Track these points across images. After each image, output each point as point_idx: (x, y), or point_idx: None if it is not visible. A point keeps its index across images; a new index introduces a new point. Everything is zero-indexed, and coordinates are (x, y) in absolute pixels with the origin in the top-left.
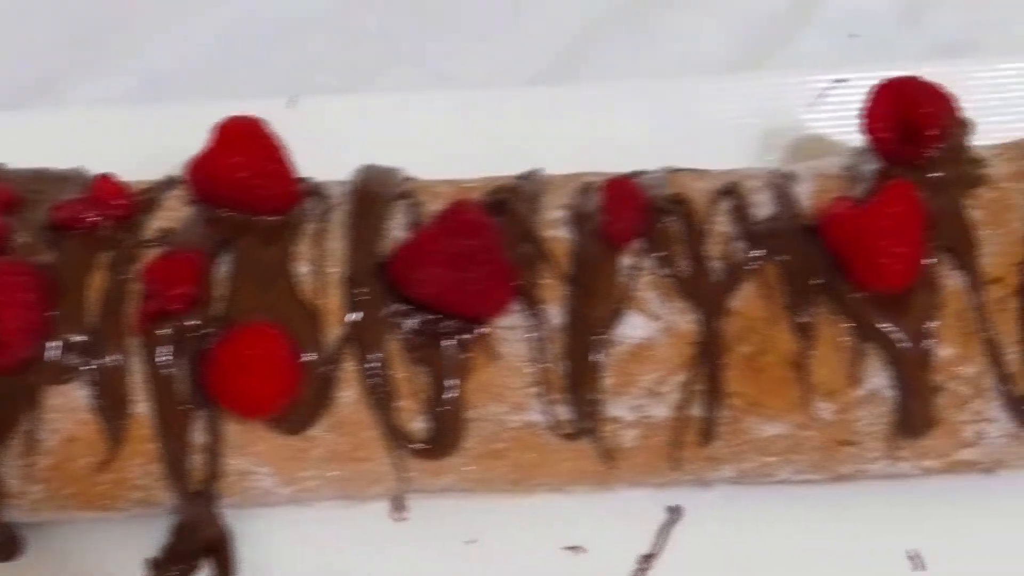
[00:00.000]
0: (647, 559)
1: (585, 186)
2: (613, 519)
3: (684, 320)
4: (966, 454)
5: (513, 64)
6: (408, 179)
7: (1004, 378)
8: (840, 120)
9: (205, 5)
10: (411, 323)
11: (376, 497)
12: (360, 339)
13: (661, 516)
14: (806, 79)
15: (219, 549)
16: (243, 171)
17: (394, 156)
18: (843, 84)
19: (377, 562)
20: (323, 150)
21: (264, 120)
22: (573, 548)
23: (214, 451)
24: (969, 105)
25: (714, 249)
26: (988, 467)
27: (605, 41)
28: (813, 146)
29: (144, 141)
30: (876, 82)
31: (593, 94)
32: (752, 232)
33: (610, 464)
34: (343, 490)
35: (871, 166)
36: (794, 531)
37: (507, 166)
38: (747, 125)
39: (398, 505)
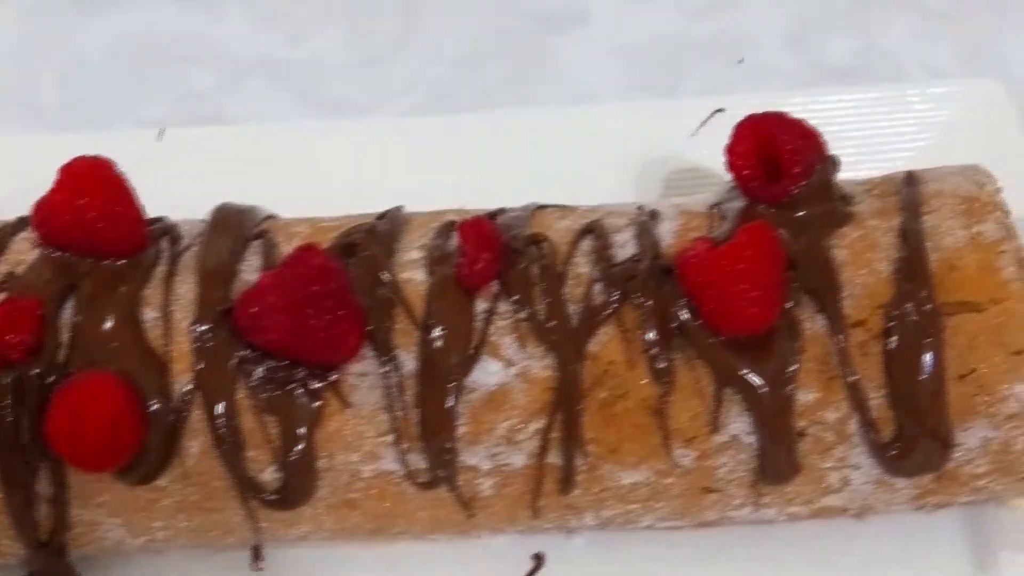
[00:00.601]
0: None
1: (445, 226)
2: (476, 568)
3: (540, 365)
4: (832, 500)
5: (396, 93)
6: (269, 217)
7: (868, 424)
8: (720, 150)
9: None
10: (259, 370)
11: (231, 547)
12: (207, 387)
13: (525, 564)
14: (691, 107)
15: None
16: (88, 213)
17: (267, 188)
18: (722, 113)
19: None
20: (193, 182)
21: (111, 161)
22: None
23: (59, 502)
24: (855, 133)
25: (572, 292)
26: (857, 513)
27: (490, 70)
28: (693, 176)
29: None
30: (756, 110)
31: (474, 124)
32: (611, 274)
33: (468, 513)
34: (196, 540)
35: (736, 204)
36: None
37: (386, 198)
38: (629, 155)
39: (256, 555)
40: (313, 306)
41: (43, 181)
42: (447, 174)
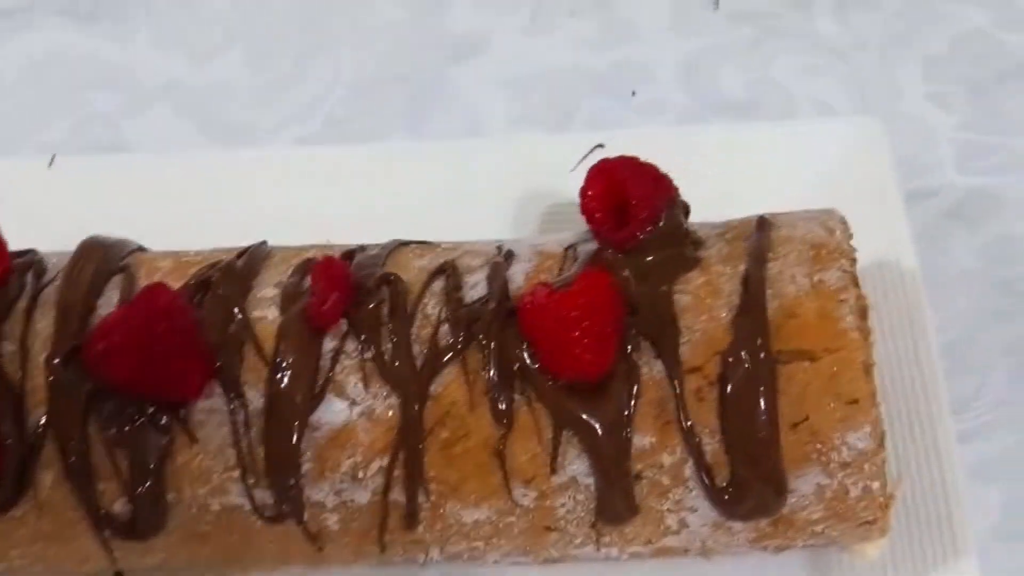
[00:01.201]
0: None
1: (303, 263)
2: None
3: (384, 405)
4: (671, 541)
5: (288, 123)
6: (137, 250)
7: (703, 468)
8: None
9: None
10: (110, 405)
11: (89, 574)
12: (59, 421)
13: None
14: (576, 141)
15: None
16: None
17: (155, 218)
18: (602, 148)
19: None
20: (83, 212)
21: None
22: None
23: None
24: (737, 167)
25: (420, 332)
26: (699, 553)
27: (387, 97)
28: (571, 211)
29: None
30: (639, 144)
31: (362, 156)
32: (458, 315)
33: (316, 546)
34: (55, 568)
35: (589, 246)
36: None
37: (270, 227)
38: (511, 189)
39: None
40: (157, 345)
41: None
42: (334, 204)
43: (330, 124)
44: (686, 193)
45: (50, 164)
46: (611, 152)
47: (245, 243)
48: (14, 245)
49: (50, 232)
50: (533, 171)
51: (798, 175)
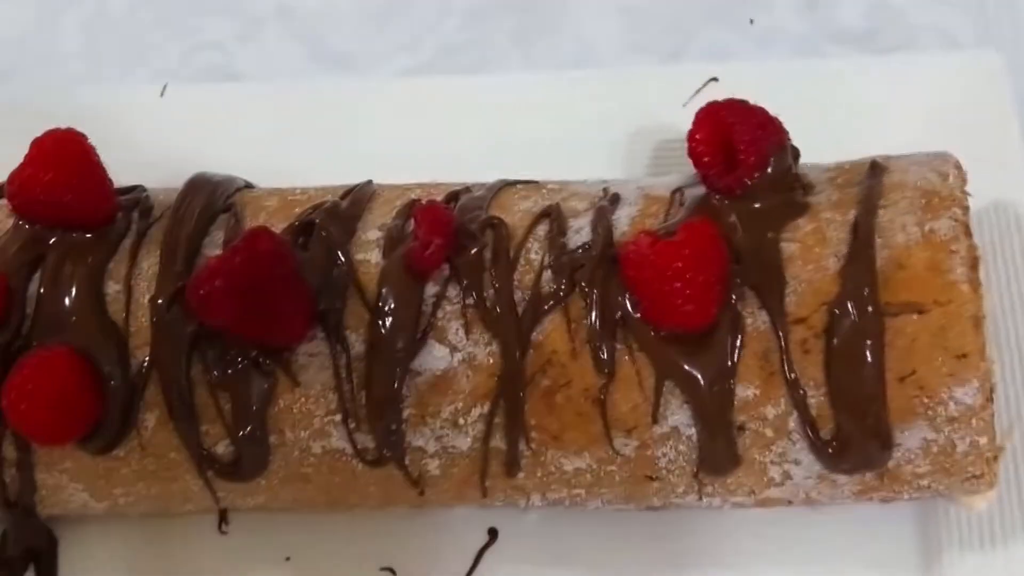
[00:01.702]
0: None
1: (407, 205)
2: (431, 540)
3: (485, 352)
4: (775, 492)
5: (398, 52)
6: (245, 188)
7: (807, 421)
8: None
9: None
10: (213, 348)
11: (193, 513)
12: (163, 363)
13: (480, 537)
14: (690, 73)
15: (42, 556)
16: (55, 188)
17: (267, 148)
18: (716, 82)
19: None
20: (194, 141)
21: (81, 134)
22: (388, 569)
23: (24, 466)
24: (850, 103)
25: (522, 279)
26: (803, 503)
27: (493, 28)
28: (683, 148)
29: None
30: (754, 78)
31: (471, 88)
32: (561, 262)
33: (418, 490)
34: (157, 507)
35: (696, 190)
36: (607, 558)
37: (381, 160)
38: (623, 123)
39: (222, 518)
40: (259, 291)
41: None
42: (442, 137)
43: (441, 53)
44: (799, 129)
45: (162, 93)
46: (725, 86)
47: (353, 175)
48: (124, 176)
49: (161, 163)
50: (645, 105)
51: (916, 111)
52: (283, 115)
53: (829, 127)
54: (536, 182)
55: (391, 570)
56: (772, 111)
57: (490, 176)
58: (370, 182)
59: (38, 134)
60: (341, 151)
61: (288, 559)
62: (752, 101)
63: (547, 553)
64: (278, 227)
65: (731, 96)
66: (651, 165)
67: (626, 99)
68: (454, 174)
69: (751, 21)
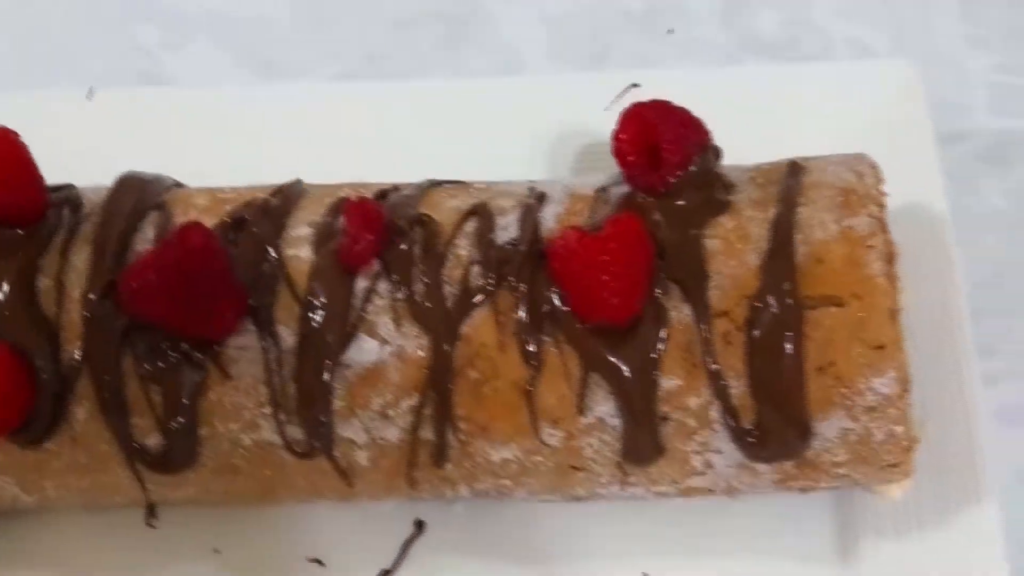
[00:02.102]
0: (386, 573)
1: (337, 202)
2: (359, 531)
3: (414, 345)
4: (696, 481)
5: (327, 59)
6: (176, 187)
7: (728, 411)
8: None
9: None
10: (144, 341)
11: (122, 506)
12: (94, 356)
13: (407, 529)
14: (612, 80)
15: None
16: None
17: (193, 153)
18: (637, 88)
19: (125, 569)
20: (122, 145)
21: (11, 130)
22: (316, 560)
23: None
24: (771, 109)
25: (451, 273)
26: (725, 492)
27: (420, 37)
28: (605, 152)
29: None
30: (674, 84)
31: (399, 92)
32: (489, 257)
33: (347, 482)
34: (87, 500)
35: (621, 189)
36: (533, 549)
37: (306, 164)
38: (546, 128)
39: (150, 512)
40: (190, 285)
41: None
42: (369, 142)
43: (368, 61)
44: (719, 134)
45: (89, 96)
46: (647, 92)
47: (281, 179)
48: (52, 179)
49: (88, 166)
50: (568, 110)
51: (833, 117)
52: (211, 120)
53: (748, 132)
54: (463, 182)
55: (319, 561)
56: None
57: (417, 178)
58: (299, 181)
59: None
60: (269, 155)
61: (217, 551)
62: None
63: (473, 544)
64: (209, 224)
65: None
66: (575, 168)
67: (549, 104)
68: (381, 176)
69: (670, 31)
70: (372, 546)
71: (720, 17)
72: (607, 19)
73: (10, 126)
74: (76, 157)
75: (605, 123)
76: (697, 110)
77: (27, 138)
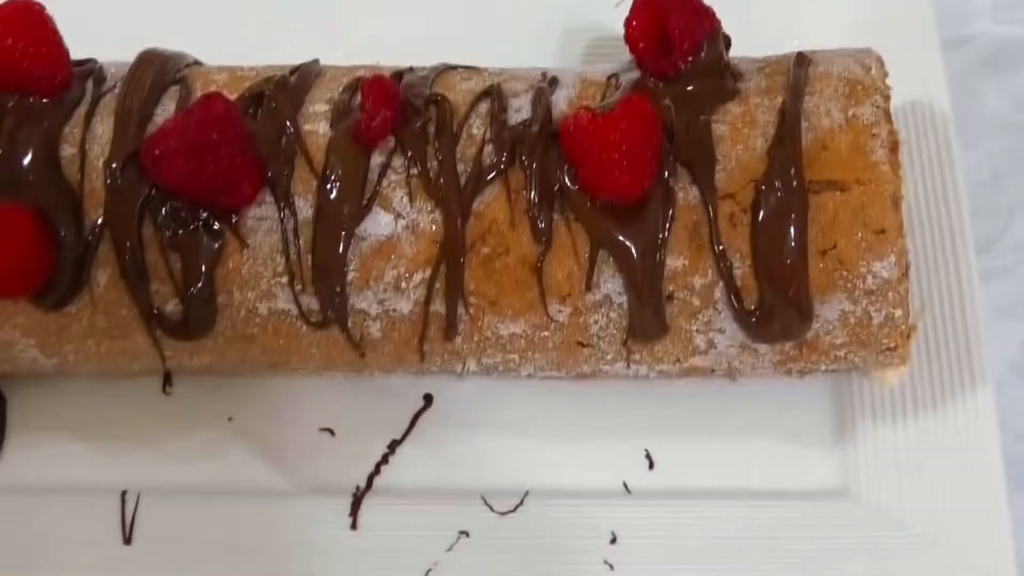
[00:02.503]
0: (393, 445)
1: (353, 81)
2: (370, 403)
3: (428, 220)
4: (698, 361)
5: None
6: (194, 64)
7: (732, 291)
8: None
9: None
10: (165, 209)
11: (139, 374)
12: (115, 222)
13: (416, 403)
14: None
15: None
16: (13, 53)
17: (210, 32)
18: None
19: (140, 434)
20: (139, 22)
21: (39, 3)
22: (327, 429)
23: None
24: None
25: (464, 152)
26: (726, 373)
27: None
28: (615, 45)
29: None
30: None
31: None
32: (502, 136)
33: (359, 352)
34: (105, 365)
35: (632, 75)
36: (536, 425)
37: (316, 51)
38: (556, 20)
39: (167, 380)
40: (211, 152)
41: None
42: (382, 27)
43: None
44: (729, 25)
45: None
46: None
47: (297, 60)
48: (76, 54)
49: (110, 42)
50: (580, 2)
51: (840, 13)
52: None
53: (757, 24)
54: (476, 67)
55: (330, 430)
56: None
57: (425, 64)
58: (316, 61)
59: None
60: (284, 37)
61: (231, 419)
62: None
63: (479, 419)
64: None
65: None
66: (584, 62)
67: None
68: (393, 62)
69: None
70: (381, 418)
71: None
72: None
73: None
74: (99, 32)
75: (616, 18)
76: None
77: (53, 11)
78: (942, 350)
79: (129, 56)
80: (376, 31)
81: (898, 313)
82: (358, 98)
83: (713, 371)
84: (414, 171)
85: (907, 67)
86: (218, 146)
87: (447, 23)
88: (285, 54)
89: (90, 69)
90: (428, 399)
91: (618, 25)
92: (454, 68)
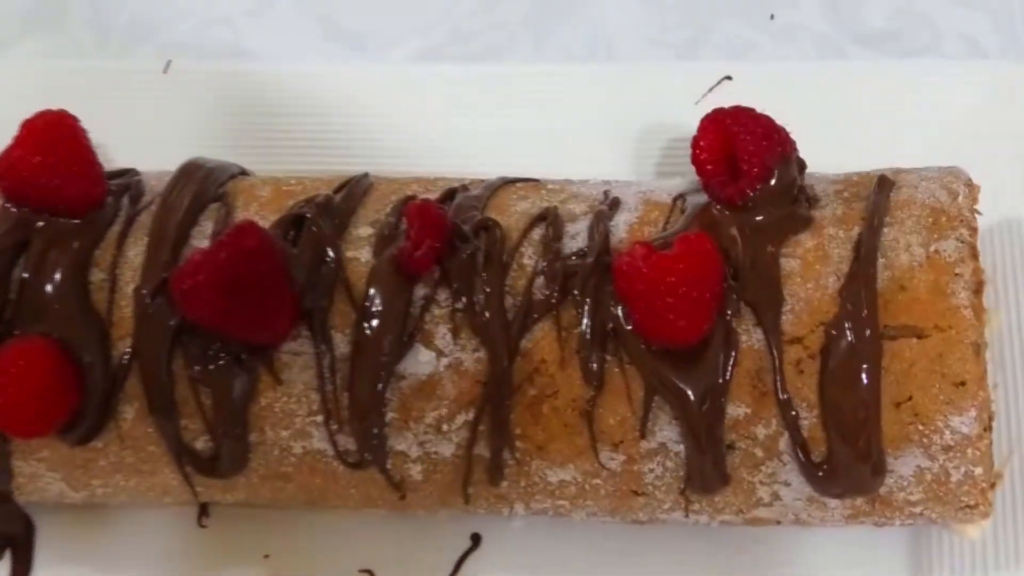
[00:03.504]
0: None
1: (402, 200)
2: (413, 543)
3: (472, 358)
4: (763, 512)
5: (410, 34)
6: (240, 175)
7: (798, 443)
8: None
9: None
10: (196, 341)
11: (171, 505)
12: (144, 354)
13: (463, 542)
14: (703, 70)
15: (18, 542)
16: (44, 171)
17: (265, 130)
18: (729, 81)
19: (173, 569)
20: (195, 120)
21: (73, 116)
22: (367, 571)
23: (1, 454)
24: (870, 108)
25: (514, 284)
26: (793, 523)
27: (508, 13)
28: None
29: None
30: (769, 78)
31: (481, 75)
32: (555, 268)
33: (399, 494)
34: (135, 499)
35: (699, 198)
36: (593, 569)
37: (383, 147)
38: (633, 118)
39: (202, 511)
40: (243, 287)
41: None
42: (449, 127)
43: (454, 38)
44: (813, 131)
45: (165, 70)
46: (740, 85)
47: (356, 161)
48: (124, 153)
49: (160, 142)
50: (656, 100)
51: (935, 120)
52: (288, 96)
53: (844, 132)
54: (537, 181)
55: (370, 572)
56: (784, 113)
57: (494, 167)
58: (367, 175)
59: (37, 108)
60: (345, 135)
61: (267, 556)
62: (765, 101)
63: (531, 562)
64: (269, 219)
65: (745, 96)
66: (660, 163)
67: (638, 95)
68: (458, 165)
69: (772, 16)
70: (425, 559)
71: (824, 3)
72: (706, 1)
73: (86, 97)
74: (149, 132)
75: (694, 117)
76: (789, 106)
77: (101, 110)
78: None
79: (180, 155)
80: (440, 126)
81: (978, 471)
82: (405, 222)
83: (779, 522)
84: (459, 305)
85: (1003, 181)
86: (250, 281)
87: (516, 118)
88: (342, 155)
89: (127, 183)
90: (476, 539)
91: (696, 125)
92: (511, 183)
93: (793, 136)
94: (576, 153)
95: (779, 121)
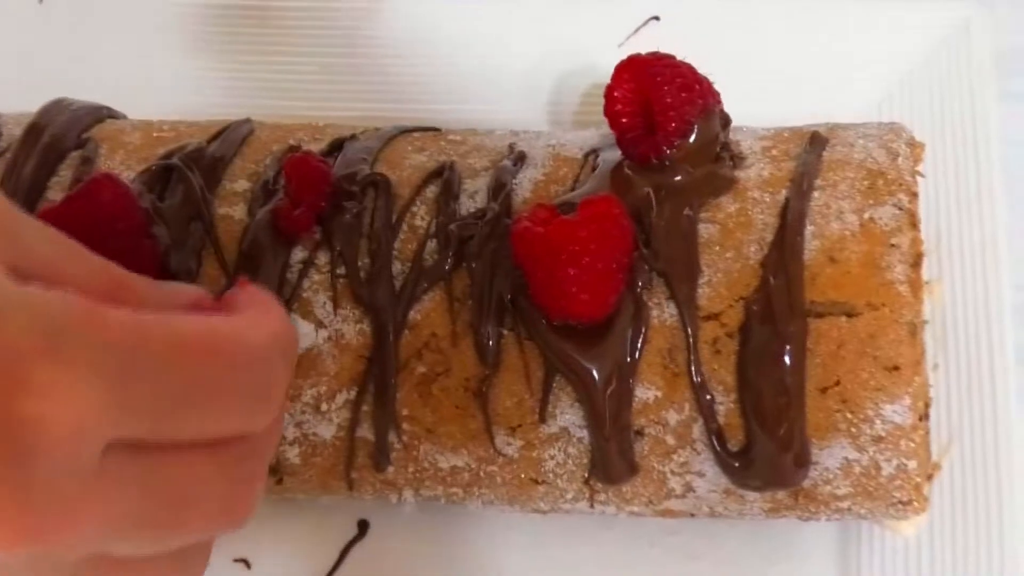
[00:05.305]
0: None
1: (285, 150)
2: (292, 530)
3: (355, 330)
4: (675, 504)
5: None
6: (107, 118)
7: (713, 431)
8: None
9: None
10: None
11: None
12: None
13: (349, 530)
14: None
15: None
16: None
17: (144, 61)
18: (657, 21)
19: None
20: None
21: None
22: (241, 561)
23: None
24: (825, 49)
25: (403, 248)
26: (708, 515)
27: None
28: None
29: None
30: (699, 18)
31: (389, 11)
32: (449, 232)
33: (275, 478)
34: None
35: (612, 154)
36: (489, 560)
37: (268, 84)
38: (549, 62)
39: None
40: (97, 248)
41: None
42: (349, 64)
43: None
44: (747, 77)
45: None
46: (668, 27)
47: (254, 100)
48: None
49: (37, 75)
50: (576, 41)
51: (882, 70)
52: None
53: (782, 81)
54: (437, 130)
55: (245, 561)
56: (717, 58)
57: (393, 113)
58: (248, 120)
59: None
60: (232, 69)
61: None
62: (696, 45)
63: (424, 550)
64: (135, 169)
65: (674, 39)
66: (578, 112)
67: (556, 35)
68: (361, 104)
69: None
70: (306, 547)
71: None
72: None
73: None
74: (25, 64)
75: (617, 60)
76: (725, 49)
77: None
78: (969, 494)
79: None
80: (339, 66)
81: (912, 464)
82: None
83: (693, 515)
84: (340, 271)
85: (953, 136)
86: (105, 240)
87: (428, 57)
88: (236, 87)
89: None
90: (363, 526)
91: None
92: (408, 132)
93: (725, 86)
94: (484, 99)
95: (709, 68)
